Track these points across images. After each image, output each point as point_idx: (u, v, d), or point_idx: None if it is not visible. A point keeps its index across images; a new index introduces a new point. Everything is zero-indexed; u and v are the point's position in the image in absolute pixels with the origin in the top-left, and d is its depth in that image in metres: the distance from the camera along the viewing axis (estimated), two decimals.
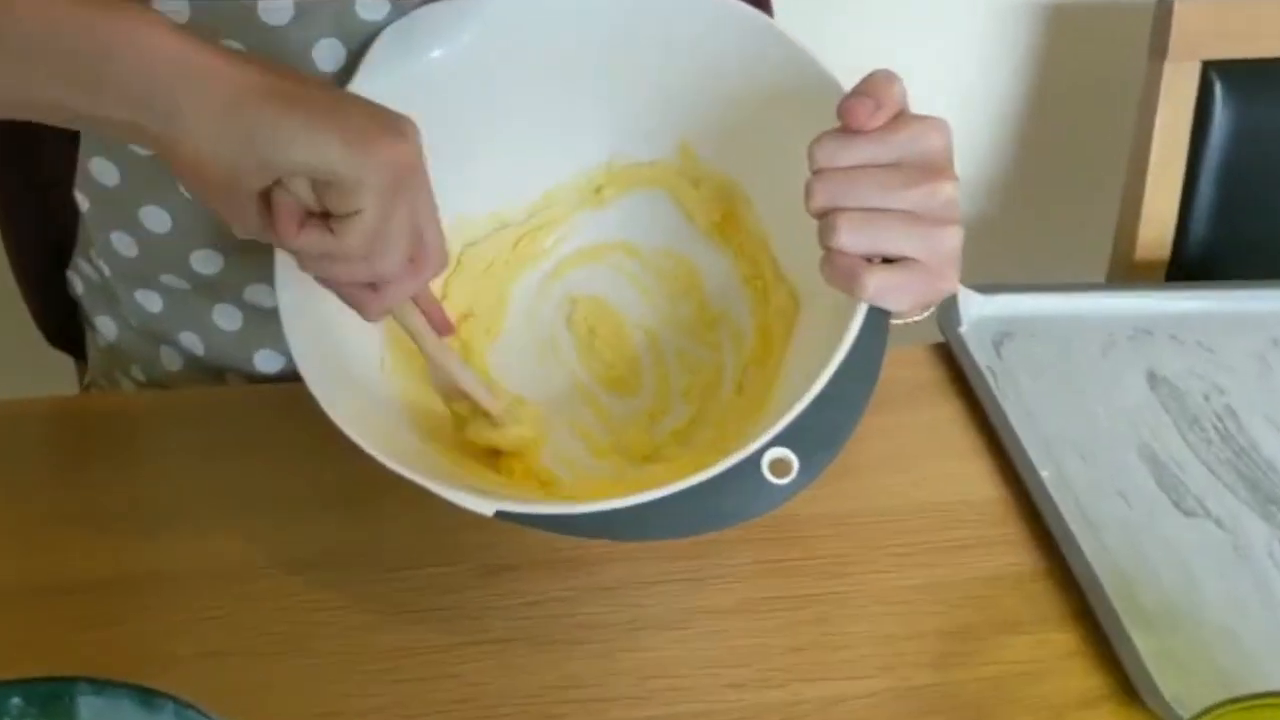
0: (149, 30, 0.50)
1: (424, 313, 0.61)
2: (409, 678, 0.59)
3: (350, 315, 0.58)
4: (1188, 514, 0.72)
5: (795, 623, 0.63)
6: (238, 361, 0.76)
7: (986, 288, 0.86)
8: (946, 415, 0.78)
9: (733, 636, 0.62)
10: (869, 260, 0.56)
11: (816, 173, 0.57)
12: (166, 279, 0.73)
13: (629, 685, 0.60)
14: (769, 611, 0.64)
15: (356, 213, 0.51)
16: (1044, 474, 0.72)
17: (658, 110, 0.71)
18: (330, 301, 0.58)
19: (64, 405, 0.76)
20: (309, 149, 0.50)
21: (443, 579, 0.64)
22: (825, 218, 0.56)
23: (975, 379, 0.79)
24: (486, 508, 0.55)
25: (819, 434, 0.57)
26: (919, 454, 0.75)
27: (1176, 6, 0.97)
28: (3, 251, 0.82)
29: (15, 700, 0.44)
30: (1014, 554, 0.69)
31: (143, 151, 0.68)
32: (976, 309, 0.85)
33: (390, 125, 0.52)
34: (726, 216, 0.71)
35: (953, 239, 0.57)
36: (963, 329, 0.83)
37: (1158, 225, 1.03)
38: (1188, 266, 1.04)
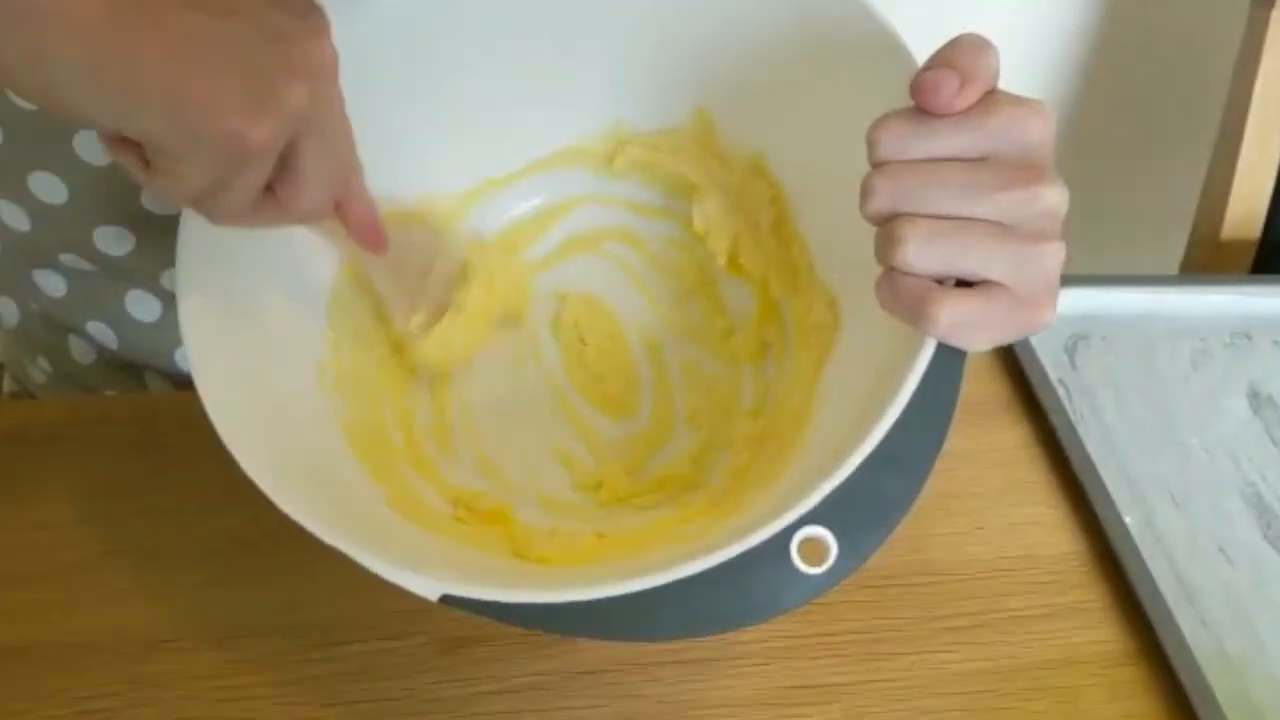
0: None
1: (350, 219, 0.48)
2: None
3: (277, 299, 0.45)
4: None
5: None
6: (157, 358, 0.63)
7: None
8: (1010, 443, 0.64)
9: None
10: (941, 283, 0.43)
11: (878, 165, 0.43)
12: (67, 259, 0.60)
13: None
14: (792, 705, 0.52)
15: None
16: (1128, 520, 0.60)
17: (669, 68, 0.57)
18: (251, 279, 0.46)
19: None
20: (157, 118, 0.37)
21: (392, 656, 0.51)
22: (887, 225, 0.43)
23: (1046, 397, 0.66)
24: (431, 590, 0.42)
25: (866, 507, 0.44)
26: (976, 494, 0.62)
27: None
28: None
29: None
30: (1095, 628, 0.56)
31: (26, 105, 0.54)
32: None
33: (298, 27, 0.39)
34: (751, 205, 0.57)
35: (1052, 259, 0.43)
36: (1034, 336, 0.70)
37: (1250, 202, 0.88)
38: None
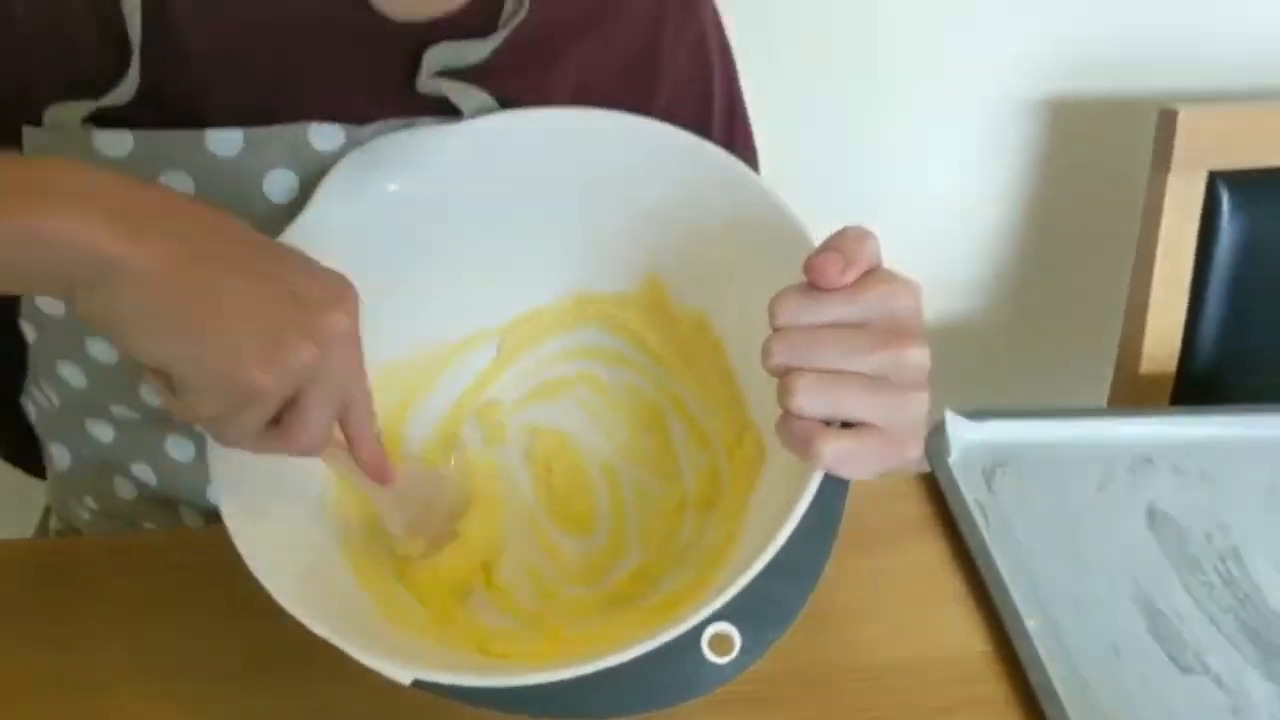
0: (54, 217, 0.47)
1: (361, 458, 0.58)
2: None
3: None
4: (1185, 670, 0.68)
5: None
6: (191, 492, 0.73)
7: (977, 413, 0.82)
8: (931, 557, 0.74)
9: None
10: (827, 424, 0.53)
11: (777, 330, 0.53)
12: (117, 410, 0.70)
13: None
14: None
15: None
16: (1030, 624, 0.69)
17: (626, 244, 0.68)
18: None
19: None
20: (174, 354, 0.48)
21: None
22: (783, 378, 0.53)
23: (962, 517, 0.75)
24: (404, 676, 0.51)
25: (766, 608, 0.54)
26: (900, 601, 0.71)
27: (1181, 115, 0.94)
28: None
29: None
30: (1000, 718, 0.64)
31: None
32: (966, 436, 0.81)
33: (321, 291, 0.50)
34: (696, 355, 0.67)
35: (918, 406, 0.54)
36: (951, 459, 0.79)
37: (1164, 342, 0.99)
38: (1195, 385, 1.00)
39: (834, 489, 0.54)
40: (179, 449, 0.72)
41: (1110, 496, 0.79)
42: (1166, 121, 0.95)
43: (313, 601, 0.54)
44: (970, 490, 0.78)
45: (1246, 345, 1.00)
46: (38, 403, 0.74)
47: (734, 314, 0.65)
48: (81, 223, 0.46)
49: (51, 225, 0.46)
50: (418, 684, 0.51)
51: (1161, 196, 0.96)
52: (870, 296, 0.53)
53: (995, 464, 0.81)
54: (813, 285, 0.53)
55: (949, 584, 0.72)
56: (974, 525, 0.75)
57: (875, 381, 0.52)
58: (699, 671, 0.52)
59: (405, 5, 0.64)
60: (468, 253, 0.68)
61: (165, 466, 0.72)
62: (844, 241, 0.54)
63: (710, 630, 0.52)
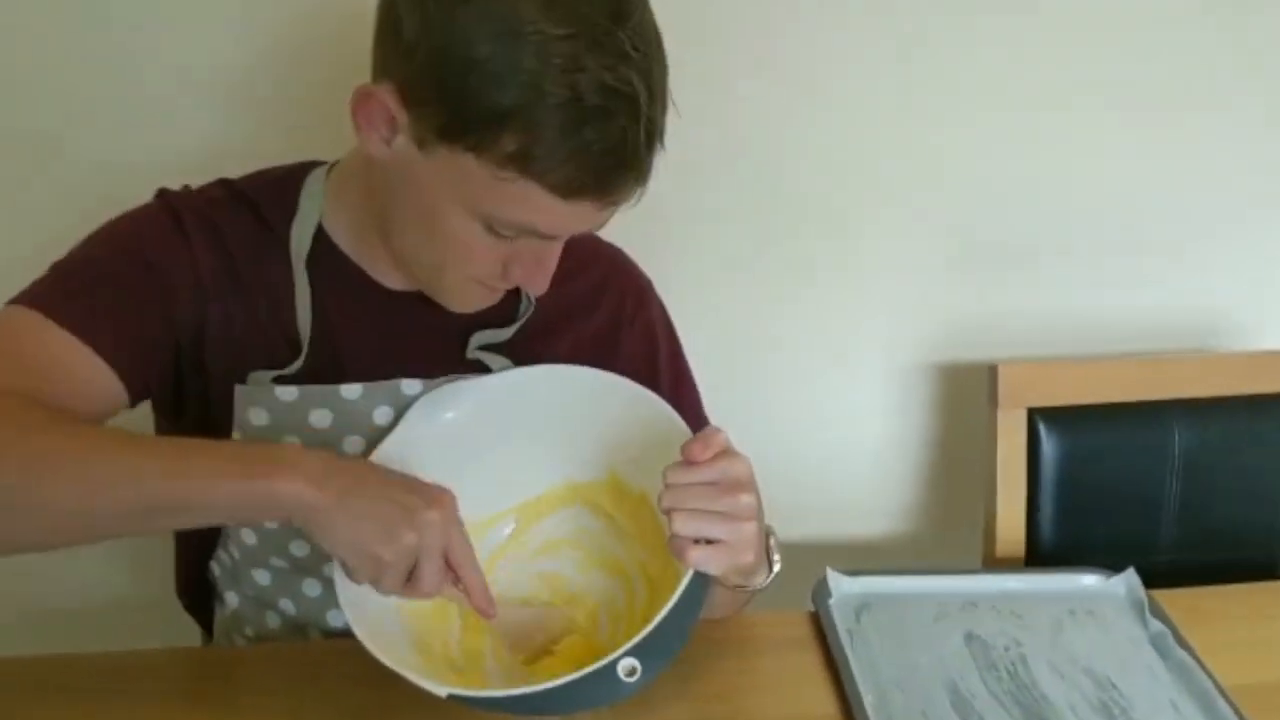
0: (283, 482, 0.85)
1: (471, 598, 0.95)
2: None
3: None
4: None
5: None
6: (318, 619, 1.11)
7: (852, 572, 1.18)
8: (811, 661, 1.09)
9: None
10: (696, 542, 0.91)
11: (666, 487, 0.92)
12: (274, 560, 1.09)
13: None
14: None
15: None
16: (868, 699, 1.03)
17: (596, 450, 1.08)
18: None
19: (184, 655, 1.12)
20: (339, 547, 0.88)
21: None
22: (669, 515, 0.91)
23: (832, 638, 1.10)
24: (440, 690, 0.88)
25: (659, 650, 0.90)
26: (784, 687, 1.06)
27: (1001, 369, 1.34)
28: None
29: None
30: None
31: None
32: (845, 587, 1.17)
33: (408, 515, 0.89)
34: (640, 515, 1.06)
35: (749, 530, 0.92)
36: (831, 601, 1.15)
37: (1011, 531, 1.35)
38: (1041, 561, 1.35)
39: (700, 581, 0.92)
40: (311, 587, 1.10)
41: (941, 626, 1.14)
42: (992, 373, 1.35)
43: (400, 659, 0.91)
44: (843, 622, 1.13)
45: (1075, 534, 1.36)
46: (221, 561, 1.14)
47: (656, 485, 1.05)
48: (299, 486, 0.86)
49: (281, 487, 0.86)
50: (451, 697, 0.88)
51: (994, 426, 1.35)
52: (720, 466, 0.92)
53: (863, 605, 1.16)
54: (688, 461, 0.92)
55: (821, 678, 1.07)
56: (840, 643, 1.10)
57: (723, 515, 0.91)
58: (616, 687, 0.88)
59: (461, 307, 1.06)
60: (496, 456, 1.08)
61: (301, 601, 1.11)
62: (707, 435, 0.93)
63: (624, 663, 0.88)
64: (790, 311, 1.52)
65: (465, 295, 1.02)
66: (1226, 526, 1.40)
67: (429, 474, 0.94)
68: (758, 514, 0.94)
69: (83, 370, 0.93)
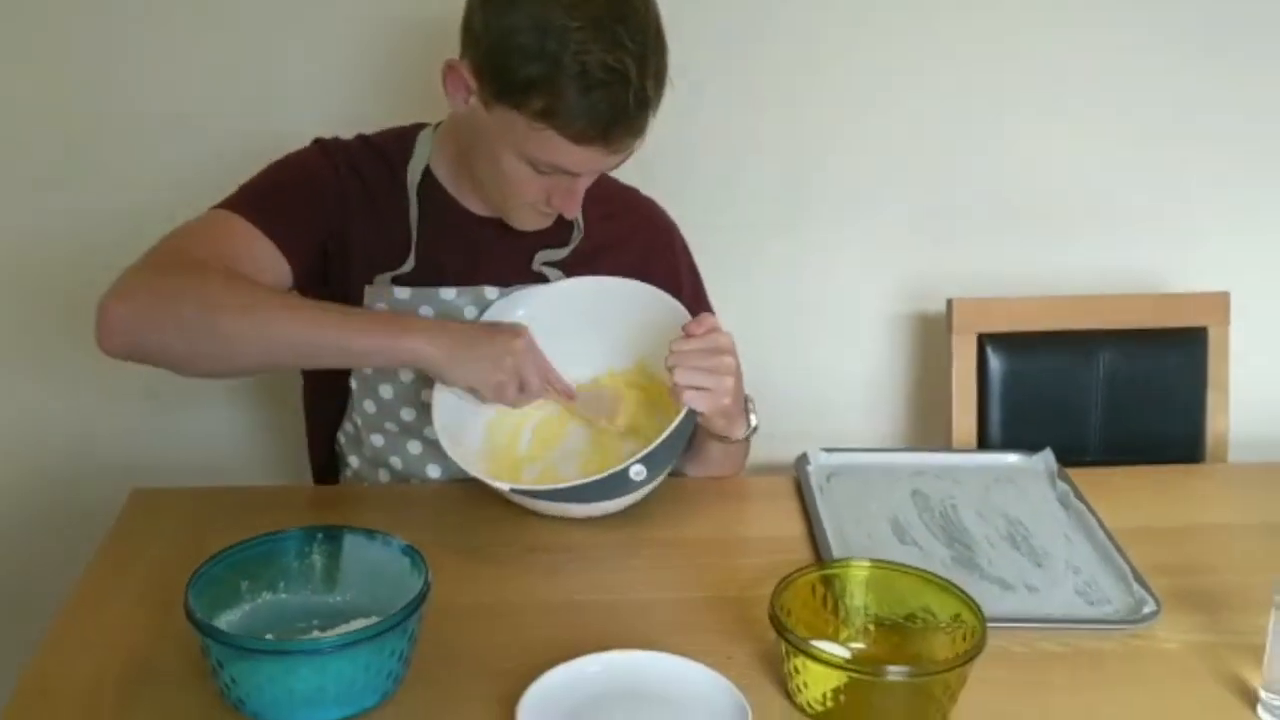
0: (408, 340, 1.25)
1: (559, 391, 1.34)
2: None
3: (464, 418, 1.31)
4: (903, 543, 1.35)
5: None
6: (419, 472, 1.46)
7: (828, 449, 1.52)
8: (789, 507, 1.43)
9: None
10: (689, 388, 1.27)
11: (670, 352, 1.28)
12: (388, 425, 1.45)
13: None
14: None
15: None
16: (828, 526, 1.37)
17: (628, 343, 1.44)
18: (458, 417, 1.32)
19: (327, 490, 1.49)
20: (464, 379, 1.27)
21: None
22: (671, 370, 1.27)
23: (806, 490, 1.44)
24: (504, 486, 1.23)
25: (657, 462, 1.26)
26: (765, 519, 1.40)
27: (955, 302, 1.69)
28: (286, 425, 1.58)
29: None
30: (804, 558, 1.32)
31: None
32: (821, 460, 1.51)
33: (502, 346, 1.28)
34: (658, 390, 1.41)
35: (729, 382, 1.28)
36: (809, 468, 1.49)
37: (965, 436, 1.69)
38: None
39: (690, 417, 1.28)
40: (415, 448, 1.46)
41: (894, 486, 1.47)
42: (949, 306, 1.69)
43: (473, 464, 1.28)
44: (817, 482, 1.47)
45: (1016, 435, 1.69)
46: (345, 430, 1.50)
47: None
48: (420, 343, 1.24)
49: (408, 343, 1.25)
50: (513, 491, 1.24)
51: (950, 348, 1.68)
52: (709, 338, 1.28)
53: (833, 473, 1.50)
54: (687, 334, 1.28)
55: (794, 515, 1.41)
56: (811, 492, 1.44)
57: (709, 370, 1.27)
58: (628, 485, 1.24)
59: (522, 224, 1.41)
60: (555, 343, 1.43)
61: (407, 458, 1.46)
62: (702, 316, 1.30)
63: (634, 468, 1.24)
64: (803, 275, 1.90)
65: (524, 217, 1.38)
66: (1142, 434, 1.72)
67: None
68: (737, 372, 1.30)
69: (262, 251, 1.31)
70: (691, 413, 1.28)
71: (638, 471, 1.23)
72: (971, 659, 1.04)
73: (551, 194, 1.34)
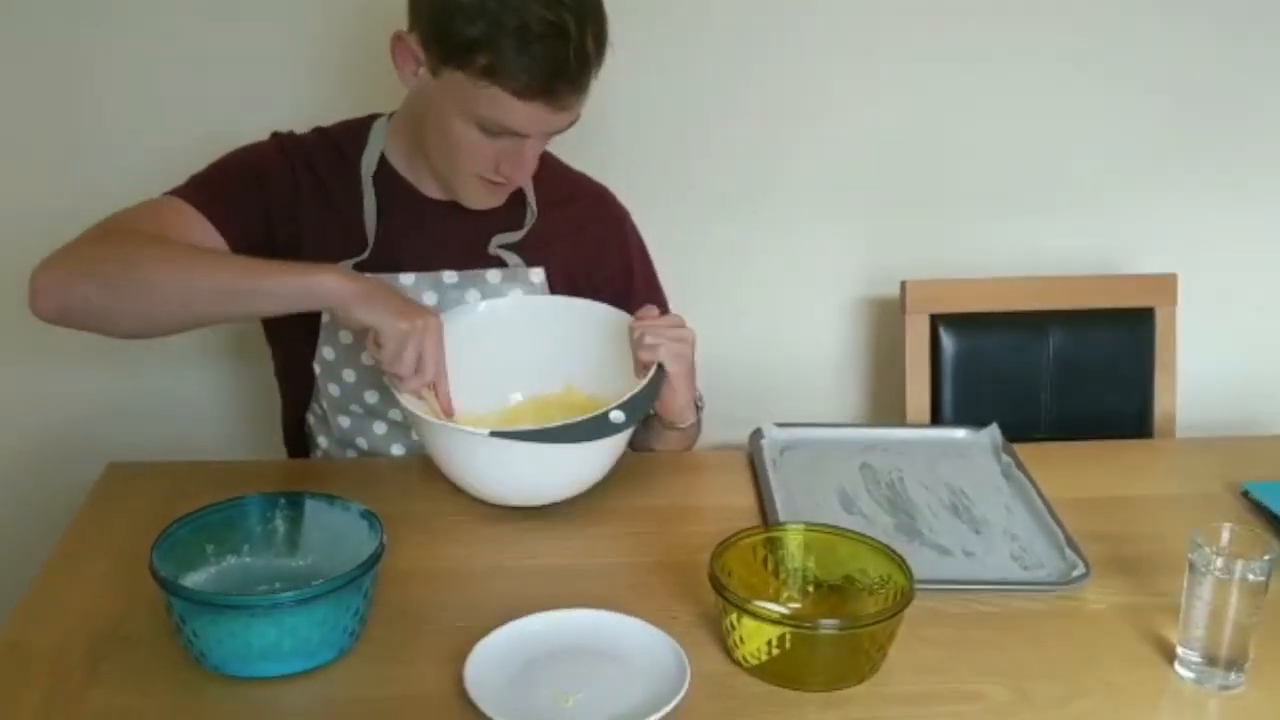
0: (319, 278, 1.28)
1: (437, 393, 1.37)
2: None
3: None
4: (849, 512, 1.40)
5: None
6: (384, 452, 1.52)
7: (781, 424, 1.57)
8: (742, 480, 1.48)
9: None
10: (659, 345, 1.34)
11: (636, 321, 1.36)
12: (353, 408, 1.50)
13: None
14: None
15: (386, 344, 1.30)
16: (778, 496, 1.42)
17: (568, 364, 1.48)
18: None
19: (299, 465, 1.54)
20: (371, 317, 1.28)
21: None
22: (640, 336, 1.34)
23: (759, 463, 1.49)
24: (483, 431, 1.28)
25: (633, 409, 1.30)
26: (718, 491, 1.46)
27: (908, 284, 1.74)
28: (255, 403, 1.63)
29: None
30: (749, 522, 1.37)
31: (346, 339, 1.48)
32: (775, 435, 1.56)
33: (416, 308, 1.31)
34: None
35: (687, 350, 1.35)
36: (763, 442, 1.54)
37: (919, 414, 1.74)
38: None
39: (660, 374, 1.34)
40: (379, 428, 1.51)
41: (844, 460, 1.52)
42: (902, 288, 1.74)
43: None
44: (770, 455, 1.52)
45: (968, 410, 1.74)
46: (314, 412, 1.56)
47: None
48: (336, 281, 1.28)
49: (325, 280, 1.28)
50: (493, 433, 1.28)
51: (903, 328, 1.74)
52: (667, 317, 1.35)
53: (786, 447, 1.55)
54: (639, 319, 1.35)
55: (746, 487, 1.46)
56: (764, 465, 1.49)
57: (671, 338, 1.34)
58: (608, 426, 1.28)
59: (474, 202, 1.45)
60: (502, 358, 1.46)
61: (372, 439, 1.52)
62: (650, 307, 1.38)
63: (614, 413, 1.28)
64: (761, 261, 1.95)
65: (474, 192, 1.42)
66: (1091, 412, 1.77)
67: (457, 349, 1.37)
68: (691, 350, 1.37)
69: (199, 231, 1.36)
70: (661, 369, 1.35)
71: (617, 416, 1.28)
72: (897, 613, 1.09)
73: (500, 160, 1.38)
